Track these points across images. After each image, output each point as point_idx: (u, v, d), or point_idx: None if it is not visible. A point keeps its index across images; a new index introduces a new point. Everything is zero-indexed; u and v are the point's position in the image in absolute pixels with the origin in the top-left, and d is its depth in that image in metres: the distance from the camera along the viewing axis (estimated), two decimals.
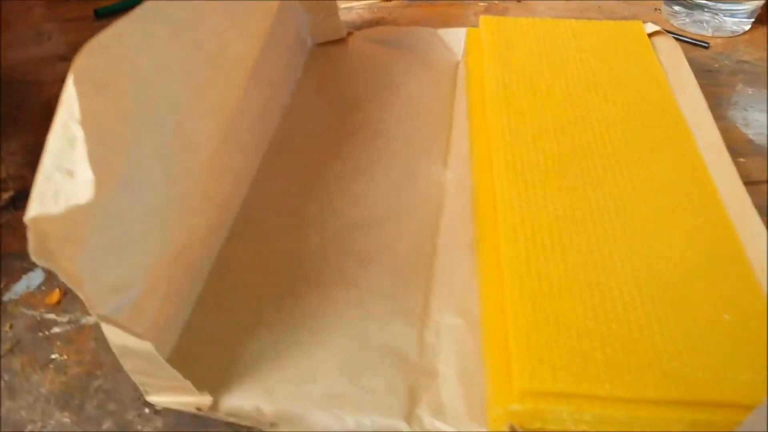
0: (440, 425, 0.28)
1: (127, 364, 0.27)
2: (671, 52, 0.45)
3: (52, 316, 0.33)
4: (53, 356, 0.31)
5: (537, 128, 0.38)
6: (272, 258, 0.35)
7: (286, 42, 0.49)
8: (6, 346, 0.32)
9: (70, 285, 0.22)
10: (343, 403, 0.29)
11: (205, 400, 0.28)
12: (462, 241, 0.36)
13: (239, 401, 0.28)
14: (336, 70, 0.50)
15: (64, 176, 0.21)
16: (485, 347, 0.30)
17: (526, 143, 0.37)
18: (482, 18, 0.48)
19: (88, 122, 0.22)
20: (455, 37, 0.51)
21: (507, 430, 0.26)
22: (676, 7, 0.55)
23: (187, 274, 0.32)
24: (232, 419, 0.28)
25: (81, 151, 0.21)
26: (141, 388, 0.29)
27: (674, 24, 0.56)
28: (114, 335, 0.26)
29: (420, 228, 0.37)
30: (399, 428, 0.28)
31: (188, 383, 0.27)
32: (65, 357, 0.31)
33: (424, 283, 0.34)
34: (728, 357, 0.27)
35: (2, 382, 0.30)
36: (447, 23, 0.56)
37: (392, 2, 0.60)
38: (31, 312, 0.33)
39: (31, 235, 0.20)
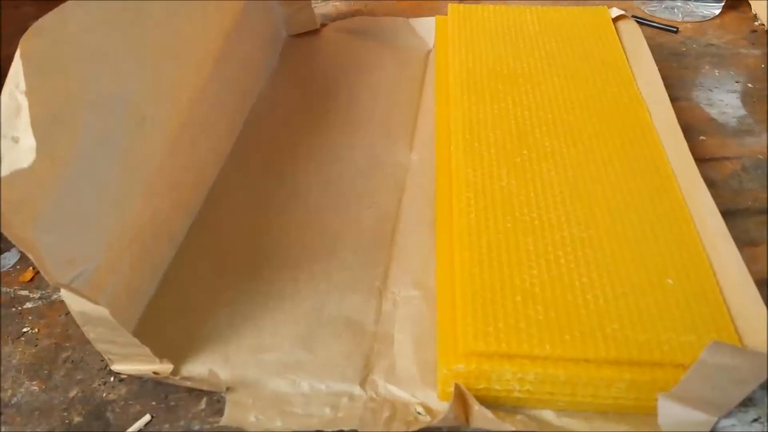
0: (394, 389, 0.29)
1: (90, 333, 0.28)
2: (633, 36, 0.46)
3: (25, 292, 0.34)
4: (24, 330, 0.33)
5: (497, 109, 0.40)
6: (239, 237, 0.37)
7: (259, 32, 0.50)
8: None
9: (24, 250, 0.23)
10: (299, 370, 0.30)
11: (165, 367, 0.29)
12: (423, 219, 0.37)
13: (197, 368, 0.29)
14: (310, 60, 0.52)
15: (9, 143, 0.22)
16: (438, 315, 0.31)
17: (485, 123, 0.38)
18: (450, 6, 0.49)
19: (32, 95, 0.23)
20: (427, 26, 0.53)
21: (452, 390, 0.27)
22: None
23: (151, 252, 0.34)
24: (189, 384, 0.29)
25: (25, 118, 0.22)
26: (106, 357, 0.30)
27: (645, 10, 0.56)
28: (74, 303, 0.27)
29: (383, 207, 0.38)
30: (353, 392, 0.29)
31: (147, 350, 0.28)
32: (36, 330, 0.32)
33: (385, 259, 0.35)
34: (670, 319, 0.28)
35: None
36: (422, 14, 0.57)
37: None
38: (5, 289, 0.35)
39: None
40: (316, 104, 0.47)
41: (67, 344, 0.32)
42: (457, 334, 0.28)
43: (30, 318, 0.33)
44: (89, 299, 0.26)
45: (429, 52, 0.52)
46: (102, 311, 0.27)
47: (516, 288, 0.29)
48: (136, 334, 0.29)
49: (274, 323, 0.32)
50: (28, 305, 0.34)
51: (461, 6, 0.49)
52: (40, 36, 0.25)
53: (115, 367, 0.30)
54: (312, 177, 0.40)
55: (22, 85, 0.24)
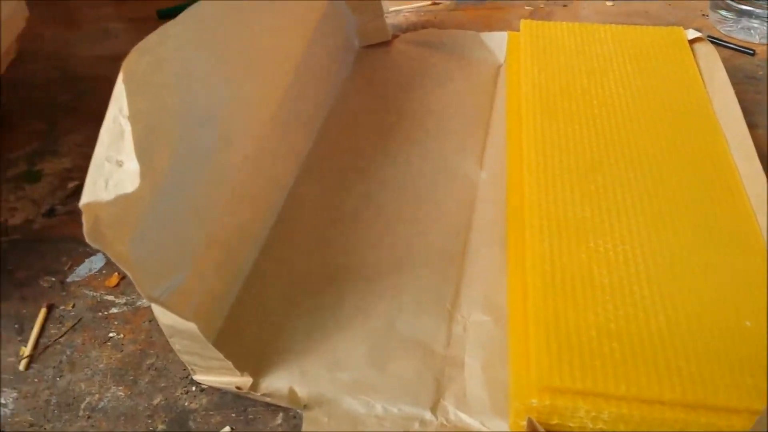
0: (464, 417, 0.30)
1: (176, 344, 0.30)
2: (709, 59, 0.45)
3: (110, 297, 0.36)
4: (111, 335, 0.34)
5: (570, 131, 0.40)
6: (313, 247, 0.38)
7: (334, 43, 0.51)
8: (69, 323, 0.35)
9: (121, 267, 0.24)
10: (372, 391, 0.30)
11: (245, 380, 0.30)
12: (493, 238, 0.38)
13: (276, 383, 0.31)
14: (381, 71, 0.52)
15: (114, 166, 0.24)
16: (510, 342, 0.32)
17: (558, 145, 0.39)
18: (523, 22, 0.49)
19: (135, 117, 0.24)
20: (498, 41, 0.53)
21: (525, 424, 0.28)
22: (724, 13, 0.55)
23: (234, 259, 0.35)
24: (268, 400, 0.30)
25: (128, 143, 0.24)
26: (189, 367, 0.31)
27: (721, 30, 0.55)
28: (163, 316, 0.28)
29: (453, 225, 0.39)
30: (425, 417, 0.30)
31: (229, 364, 0.29)
32: (122, 336, 0.34)
33: (455, 279, 0.36)
34: (748, 364, 0.28)
35: (64, 357, 0.33)
36: (491, 27, 0.58)
37: (439, 6, 0.61)
38: (92, 293, 0.36)
39: (85, 220, 0.23)
40: (387, 115, 0.47)
41: (151, 351, 0.33)
42: (530, 366, 0.29)
43: (116, 323, 0.35)
44: (179, 314, 0.28)
45: (499, 66, 0.52)
46: (190, 326, 0.28)
47: (590, 322, 0.30)
48: (218, 342, 0.31)
49: (346, 339, 0.33)
50: (114, 310, 0.35)
51: (534, 22, 0.49)
52: (142, 57, 0.26)
53: (198, 377, 0.31)
54: (383, 187, 0.41)
55: (126, 110, 0.25)
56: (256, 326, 0.33)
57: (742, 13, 0.54)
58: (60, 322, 0.35)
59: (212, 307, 0.33)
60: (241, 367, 0.30)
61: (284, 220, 0.40)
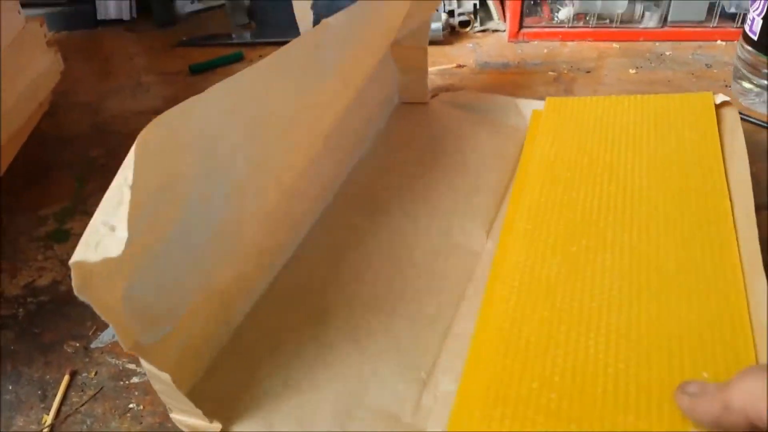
0: None
1: (155, 385, 0.31)
2: (733, 129, 0.45)
3: (132, 366, 0.37)
4: (131, 405, 0.35)
5: (567, 198, 0.41)
6: (307, 305, 0.38)
7: (377, 98, 0.53)
8: (90, 391, 0.36)
9: (105, 319, 0.25)
10: None
11: (215, 426, 0.31)
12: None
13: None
14: (414, 129, 0.53)
15: (107, 230, 0.25)
16: (456, 400, 0.32)
17: (552, 211, 0.40)
18: (548, 99, 0.50)
19: (137, 187, 0.25)
20: (531, 108, 0.53)
21: None
22: (747, 86, 0.56)
23: (225, 312, 0.36)
24: None
25: (124, 211, 0.25)
26: (166, 406, 0.32)
27: (743, 103, 0.56)
28: (144, 360, 0.29)
29: (448, 294, 0.39)
30: None
31: (200, 412, 0.30)
32: (141, 407, 0.35)
33: (436, 347, 0.36)
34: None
35: (84, 426, 0.34)
36: (515, 92, 0.58)
37: (463, 68, 0.63)
38: (114, 361, 0.37)
39: (74, 276, 0.24)
40: (410, 174, 0.48)
41: (169, 424, 0.34)
42: (467, 415, 0.29)
43: (136, 393, 0.35)
44: (155, 365, 0.28)
45: None
46: (165, 376, 0.29)
47: (536, 375, 0.30)
48: (193, 390, 0.32)
49: (317, 399, 0.33)
50: (135, 380, 0.36)
51: (558, 99, 0.50)
52: (159, 129, 0.27)
53: (173, 416, 0.32)
54: (388, 249, 0.42)
55: (129, 179, 0.26)
56: (234, 376, 0.34)
57: (765, 87, 0.54)
58: (82, 390, 0.36)
59: (193, 357, 0.34)
60: (212, 415, 0.31)
61: (284, 275, 0.40)
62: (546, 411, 0.29)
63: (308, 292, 0.39)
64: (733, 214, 0.38)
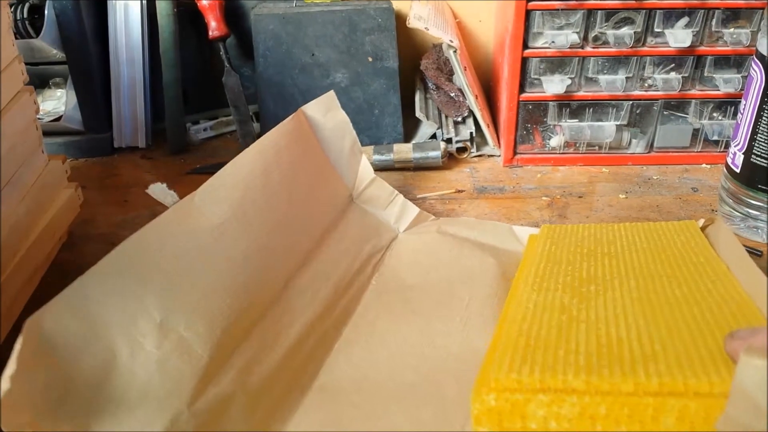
0: None
1: None
2: (726, 236, 0.47)
3: None
4: None
5: (570, 269, 0.43)
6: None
7: (364, 233, 0.56)
8: None
9: None
10: None
11: None
12: None
13: None
14: (413, 255, 0.55)
15: None
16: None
17: (557, 277, 0.42)
18: (543, 226, 0.53)
19: None
20: (527, 234, 0.56)
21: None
22: (732, 211, 0.58)
23: None
24: None
25: None
26: None
27: (728, 227, 0.59)
28: None
29: (468, 382, 0.39)
30: None
31: None
32: None
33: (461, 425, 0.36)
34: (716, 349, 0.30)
35: None
36: (511, 216, 0.61)
37: (462, 194, 0.66)
38: None
39: None
40: (416, 294, 0.50)
41: None
42: (490, 369, 0.30)
43: None
44: None
45: None
46: None
47: (560, 344, 0.32)
48: None
49: None
50: None
51: (554, 226, 0.53)
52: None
53: None
54: (405, 359, 0.43)
55: None
56: None
57: (750, 212, 0.57)
58: None
59: None
60: None
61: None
62: (575, 364, 0.30)
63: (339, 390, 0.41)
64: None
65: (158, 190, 0.57)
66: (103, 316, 0.35)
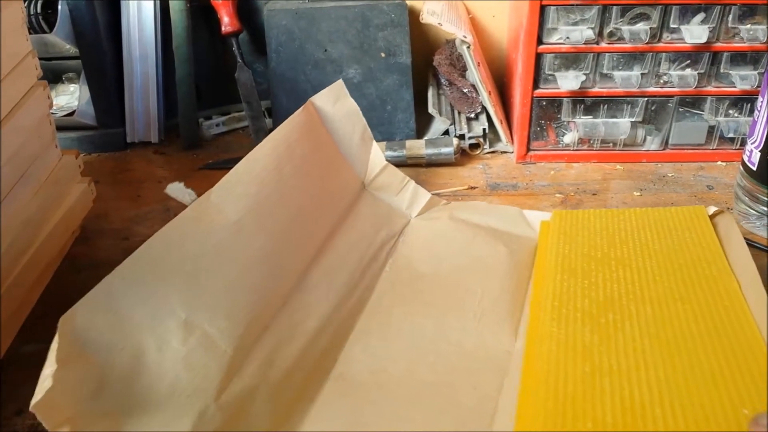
0: None
1: None
2: (728, 226, 0.50)
3: None
4: None
5: (587, 283, 0.45)
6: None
7: (376, 219, 0.56)
8: None
9: None
10: None
11: None
12: None
13: None
14: (425, 241, 0.56)
15: None
16: None
17: (574, 294, 0.44)
18: (554, 212, 0.53)
19: None
20: (538, 219, 0.56)
21: None
22: (748, 209, 0.58)
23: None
24: None
25: None
26: None
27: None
28: None
29: (486, 390, 0.40)
30: None
31: None
32: None
33: None
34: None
35: None
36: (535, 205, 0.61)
37: (475, 190, 0.66)
38: None
39: None
40: (428, 285, 0.50)
41: None
42: None
43: None
44: None
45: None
46: None
47: (588, 416, 0.34)
48: None
49: None
50: None
51: (564, 211, 0.53)
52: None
53: None
54: (422, 354, 0.43)
55: None
56: None
57: (764, 213, 0.56)
58: None
59: None
60: None
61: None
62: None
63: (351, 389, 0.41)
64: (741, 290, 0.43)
65: (176, 189, 0.57)
66: (131, 314, 0.36)
